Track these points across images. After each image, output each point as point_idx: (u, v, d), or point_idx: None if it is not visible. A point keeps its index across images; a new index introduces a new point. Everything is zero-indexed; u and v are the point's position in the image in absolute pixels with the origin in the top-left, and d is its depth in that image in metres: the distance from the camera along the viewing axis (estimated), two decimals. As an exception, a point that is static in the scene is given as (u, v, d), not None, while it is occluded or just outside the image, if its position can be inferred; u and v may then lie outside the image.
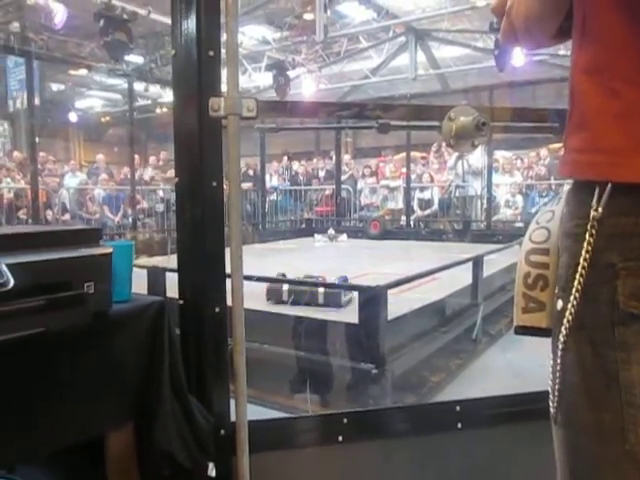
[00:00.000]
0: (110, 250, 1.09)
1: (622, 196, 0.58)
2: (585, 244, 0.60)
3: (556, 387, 0.65)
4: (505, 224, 8.99)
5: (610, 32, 0.59)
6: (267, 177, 10.96)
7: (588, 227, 0.60)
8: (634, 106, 0.57)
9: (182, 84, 1.35)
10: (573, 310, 0.62)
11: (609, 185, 0.59)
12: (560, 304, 0.64)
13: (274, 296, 3.39)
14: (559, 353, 0.64)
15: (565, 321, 0.62)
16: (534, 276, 0.72)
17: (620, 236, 0.58)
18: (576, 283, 0.61)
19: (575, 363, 0.62)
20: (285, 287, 3.38)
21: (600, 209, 0.59)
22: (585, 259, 0.60)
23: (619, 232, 0.58)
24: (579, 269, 0.61)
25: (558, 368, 0.64)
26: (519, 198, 9.24)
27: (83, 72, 11.25)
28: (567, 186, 0.68)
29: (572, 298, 0.62)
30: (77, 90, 13.69)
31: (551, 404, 0.68)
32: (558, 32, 0.71)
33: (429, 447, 1.51)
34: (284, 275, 3.78)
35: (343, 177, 10.68)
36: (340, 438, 1.44)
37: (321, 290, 3.30)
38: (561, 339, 0.63)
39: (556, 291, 0.67)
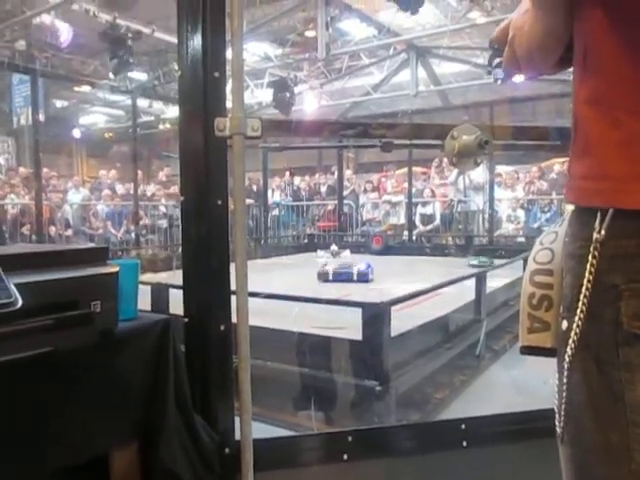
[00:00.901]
0: (116, 269, 1.10)
1: (624, 219, 0.59)
2: (588, 265, 0.61)
3: (562, 406, 0.65)
4: (507, 239, 8.99)
5: (610, 64, 0.60)
6: (269, 192, 10.99)
7: (591, 249, 0.61)
8: (636, 135, 0.58)
9: (188, 104, 1.37)
10: (578, 330, 0.62)
11: (611, 209, 0.60)
12: (565, 324, 0.65)
13: (322, 277, 5.26)
14: (565, 372, 0.64)
15: (570, 341, 0.63)
16: (539, 296, 0.73)
17: (623, 258, 0.59)
18: (580, 304, 0.62)
19: (581, 383, 0.62)
20: (330, 269, 5.40)
21: (603, 232, 0.60)
22: (589, 280, 0.61)
23: (622, 254, 0.59)
24: (583, 290, 0.62)
25: (564, 387, 0.65)
26: (520, 213, 9.25)
27: (87, 89, 11.36)
28: (569, 206, 0.70)
29: (577, 318, 0.62)
30: (81, 106, 13.81)
31: (557, 423, 0.68)
32: (559, 61, 0.73)
33: (434, 465, 1.50)
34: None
35: (345, 192, 10.72)
36: (345, 456, 1.43)
37: (355, 270, 5.34)
38: (567, 359, 0.64)
39: (561, 311, 0.68)
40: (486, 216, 9.09)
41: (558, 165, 9.19)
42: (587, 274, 0.61)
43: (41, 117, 7.56)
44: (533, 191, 9.40)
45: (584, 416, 0.62)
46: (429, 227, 9.75)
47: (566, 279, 0.67)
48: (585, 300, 0.62)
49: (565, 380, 0.64)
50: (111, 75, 7.53)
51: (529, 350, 0.74)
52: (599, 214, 0.61)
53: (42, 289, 0.97)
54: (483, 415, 1.62)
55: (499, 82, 0.85)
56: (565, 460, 0.67)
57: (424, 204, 9.91)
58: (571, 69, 0.72)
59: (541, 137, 1.63)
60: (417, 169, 10.73)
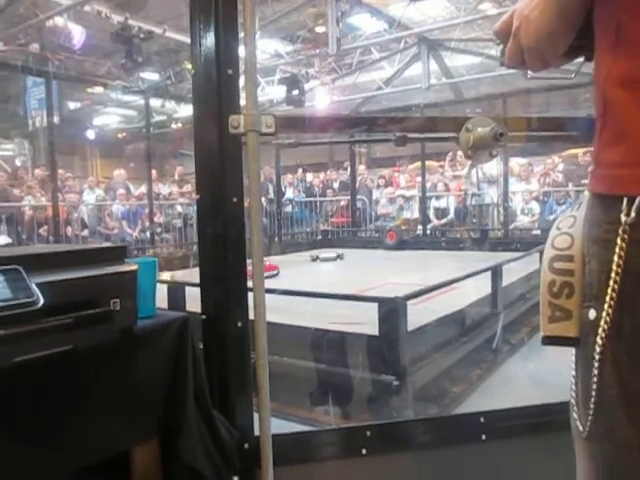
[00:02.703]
0: (135, 267, 1.11)
1: None
2: (617, 250, 0.58)
3: (592, 400, 0.62)
4: (522, 232, 8.92)
5: None
6: (282, 189, 11.00)
7: (620, 232, 0.58)
8: None
9: (202, 102, 1.37)
10: (608, 319, 0.60)
11: None
12: (593, 313, 0.62)
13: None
14: (595, 364, 0.61)
15: (600, 331, 0.61)
16: (559, 284, 0.69)
17: None
18: (610, 291, 0.59)
19: (612, 375, 0.60)
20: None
21: (633, 214, 0.57)
22: (618, 265, 0.58)
23: None
24: (612, 276, 0.59)
25: (594, 380, 0.62)
26: (535, 205, 9.16)
27: (100, 90, 11.44)
28: (587, 193, 0.66)
29: (606, 306, 0.60)
30: (94, 107, 13.91)
31: (577, 417, 0.66)
32: (567, 51, 0.70)
33: (453, 459, 1.50)
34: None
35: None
36: (364, 451, 1.43)
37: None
38: (597, 349, 0.61)
39: (585, 299, 0.65)
40: (500, 209, 9.02)
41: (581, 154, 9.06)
42: (616, 258, 0.58)
43: (55, 119, 7.63)
44: (548, 183, 9.30)
45: (616, 410, 0.60)
46: (443, 221, 9.71)
47: (590, 265, 0.64)
48: (615, 287, 0.59)
49: (595, 372, 0.61)
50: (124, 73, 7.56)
51: (551, 340, 0.69)
52: (626, 197, 0.58)
53: (62, 288, 0.98)
54: (502, 408, 1.61)
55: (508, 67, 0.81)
56: (590, 456, 0.64)
57: (438, 198, 9.86)
58: (577, 60, 0.69)
59: (557, 128, 1.61)
60: (433, 163, 10.68)
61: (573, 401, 0.67)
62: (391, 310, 2.56)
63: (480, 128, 1.35)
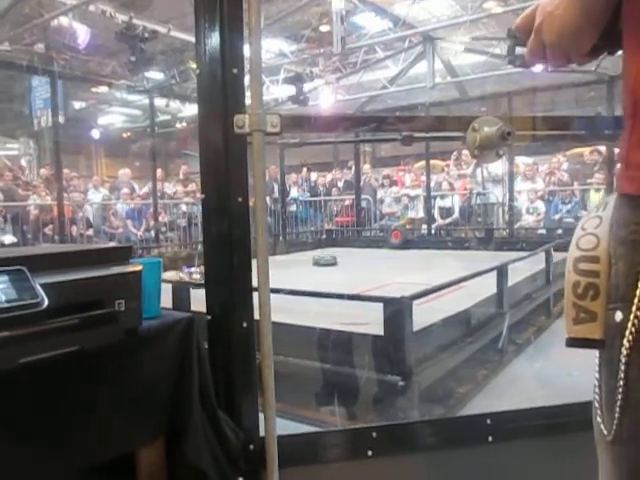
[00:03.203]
0: (140, 268, 1.11)
1: None
2: None
3: (618, 403, 0.61)
4: (528, 231, 8.89)
5: None
6: (286, 188, 11.01)
7: None
8: None
9: (207, 102, 1.37)
10: (636, 322, 0.59)
11: None
12: (620, 315, 0.61)
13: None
14: (622, 367, 0.61)
15: (627, 333, 0.60)
16: (584, 285, 0.67)
17: None
18: (638, 292, 0.59)
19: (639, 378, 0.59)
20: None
21: None
22: None
23: None
24: None
25: (621, 383, 0.61)
26: (540, 204, 9.13)
27: (104, 89, 11.46)
28: (593, 192, 0.65)
29: (634, 308, 0.59)
30: (99, 107, 13.94)
31: (600, 420, 0.65)
32: (591, 49, 0.69)
33: (460, 461, 1.49)
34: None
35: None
36: (370, 452, 1.43)
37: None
38: (624, 352, 0.60)
39: (612, 301, 0.64)
40: (506, 208, 8.99)
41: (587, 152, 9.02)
42: None
43: (61, 118, 7.66)
44: (554, 182, 9.27)
45: None
46: (448, 220, 9.69)
47: (617, 267, 0.63)
48: None
49: (622, 375, 0.60)
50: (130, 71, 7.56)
51: (575, 342, 0.68)
52: None
53: (67, 289, 0.98)
54: (509, 410, 1.60)
55: (517, 65, 0.80)
56: (615, 459, 0.63)
57: (443, 197, 9.84)
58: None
59: (563, 127, 1.60)
60: (438, 162, 10.65)
61: (597, 404, 0.66)
62: (397, 310, 2.55)
63: (487, 127, 1.34)
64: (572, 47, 0.69)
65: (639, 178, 0.61)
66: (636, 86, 0.61)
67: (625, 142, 0.63)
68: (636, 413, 0.60)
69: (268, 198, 10.01)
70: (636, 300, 0.59)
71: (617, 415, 0.62)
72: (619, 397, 0.61)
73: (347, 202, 11.05)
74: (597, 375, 0.66)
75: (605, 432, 0.64)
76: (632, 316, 0.59)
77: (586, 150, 8.79)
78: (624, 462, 0.62)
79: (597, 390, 0.66)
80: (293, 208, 11.07)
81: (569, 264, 0.70)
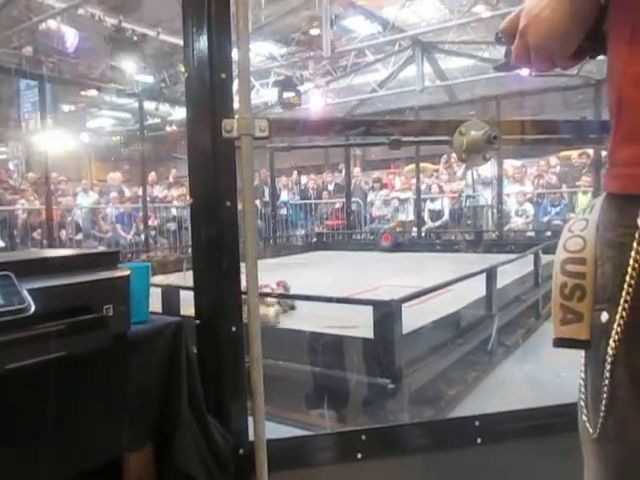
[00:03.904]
0: (128, 272, 1.10)
1: None
2: (633, 253, 0.59)
3: (603, 402, 0.62)
4: (517, 233, 8.95)
5: None
6: (277, 192, 11.01)
7: (636, 236, 0.58)
8: None
9: (195, 106, 1.37)
10: (622, 322, 0.60)
11: None
12: (606, 316, 0.62)
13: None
14: (607, 367, 0.62)
15: (613, 333, 0.61)
16: (571, 286, 0.68)
17: None
18: (624, 294, 0.59)
19: (626, 377, 0.60)
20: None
21: None
22: (634, 269, 0.59)
23: None
24: (627, 279, 0.59)
25: (606, 382, 0.62)
26: (529, 206, 9.20)
27: (93, 93, 11.41)
28: (581, 194, 0.66)
29: (620, 309, 0.60)
30: (88, 110, 13.88)
31: (586, 419, 0.66)
32: (576, 52, 0.69)
33: (449, 463, 1.50)
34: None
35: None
36: (359, 455, 1.43)
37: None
38: (609, 352, 0.61)
39: (598, 302, 0.65)
40: (495, 211, 9.05)
41: (554, 159, 9.14)
42: (632, 262, 0.58)
43: (49, 122, 7.61)
44: (542, 184, 9.34)
45: (628, 412, 0.60)
46: (438, 223, 9.73)
47: (604, 268, 0.64)
48: (630, 291, 0.59)
49: (608, 374, 0.62)
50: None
51: (562, 342, 0.69)
52: None
53: (54, 294, 0.98)
54: (497, 412, 1.61)
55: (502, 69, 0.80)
56: (600, 458, 0.64)
57: (432, 200, 9.88)
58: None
59: (550, 131, 1.61)
60: (429, 165, 10.70)
61: (582, 403, 0.67)
62: (386, 313, 2.56)
63: (473, 131, 1.35)
64: (558, 49, 0.69)
65: (624, 175, 0.62)
66: (622, 85, 0.62)
67: (610, 141, 0.64)
68: (621, 412, 0.61)
69: (258, 201, 10.01)
70: (622, 301, 0.60)
71: (602, 414, 0.63)
72: (604, 396, 0.62)
73: (337, 205, 11.07)
74: (583, 375, 0.67)
75: (591, 431, 0.65)
76: (618, 316, 0.60)
77: (574, 153, 8.87)
78: (609, 460, 0.63)
79: (583, 390, 0.67)
80: (284, 211, 11.07)
81: (556, 266, 0.71)
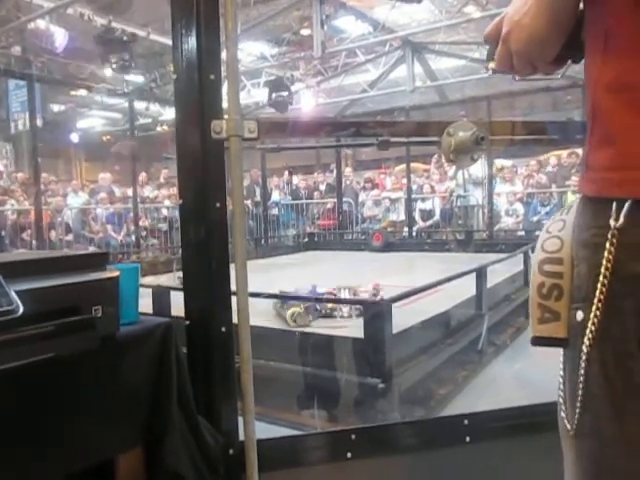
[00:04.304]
0: (117, 274, 1.10)
1: None
2: (606, 254, 0.60)
3: (578, 398, 0.64)
4: (507, 233, 9.00)
5: (636, 46, 0.58)
6: (268, 192, 11.00)
7: (608, 236, 0.59)
8: None
9: (184, 107, 1.37)
10: (596, 321, 0.61)
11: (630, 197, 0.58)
12: (581, 315, 0.64)
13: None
14: (582, 364, 0.63)
15: (587, 331, 0.62)
16: (548, 286, 0.70)
17: None
18: (598, 293, 0.61)
19: (599, 375, 0.62)
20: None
21: (622, 219, 0.58)
22: (607, 269, 0.60)
23: None
24: (601, 279, 0.60)
25: (581, 380, 0.63)
26: (519, 206, 9.26)
27: (83, 93, 11.35)
28: (571, 194, 0.68)
29: (594, 308, 0.61)
30: (78, 110, 13.79)
31: (564, 415, 0.67)
32: (556, 58, 0.71)
33: (438, 462, 1.51)
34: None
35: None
36: (349, 454, 1.44)
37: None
38: (584, 350, 0.63)
39: (574, 301, 0.66)
40: (485, 210, 9.09)
41: (554, 158, 9.20)
42: (604, 262, 0.60)
43: (39, 122, 7.56)
44: (532, 184, 9.40)
45: (602, 408, 0.61)
46: (429, 223, 9.77)
47: (579, 268, 0.65)
48: (603, 289, 0.60)
49: (582, 372, 0.63)
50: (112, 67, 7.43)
51: (540, 340, 0.71)
52: (615, 201, 0.59)
53: (43, 295, 0.98)
54: (486, 410, 1.62)
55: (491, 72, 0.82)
56: (577, 453, 0.66)
57: (423, 200, 9.92)
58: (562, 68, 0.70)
59: (538, 132, 1.63)
60: (419, 165, 10.73)
61: (561, 400, 0.69)
62: (376, 313, 2.57)
63: (461, 132, 1.36)
64: (539, 55, 0.71)
65: (599, 179, 0.63)
66: (595, 91, 0.63)
67: (586, 145, 0.65)
68: (595, 408, 0.62)
69: (249, 201, 10.00)
70: (596, 300, 0.61)
71: (578, 410, 0.64)
72: (580, 393, 0.64)
73: (329, 205, 11.08)
74: (562, 372, 0.69)
75: (568, 427, 0.66)
76: (592, 315, 0.62)
77: (564, 153, 8.94)
78: (585, 456, 0.65)
79: (562, 387, 0.68)
80: (275, 211, 11.07)
81: (534, 266, 0.72)
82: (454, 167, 9.48)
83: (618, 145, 0.60)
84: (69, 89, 10.96)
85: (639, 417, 0.58)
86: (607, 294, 0.60)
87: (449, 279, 3.69)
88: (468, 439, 1.50)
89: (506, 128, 1.60)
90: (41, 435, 1.02)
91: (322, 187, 11.69)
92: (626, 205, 0.58)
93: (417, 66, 9.49)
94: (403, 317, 2.95)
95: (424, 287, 3.36)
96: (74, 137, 13.18)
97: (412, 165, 10.12)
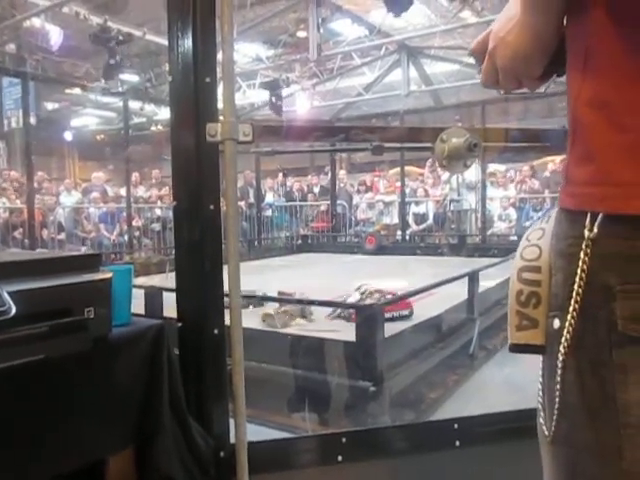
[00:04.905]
0: (110, 275, 1.10)
1: (617, 219, 0.58)
2: (580, 263, 0.60)
3: (555, 406, 0.64)
4: (500, 237, 9.04)
5: (615, 65, 0.58)
6: (262, 194, 11.00)
7: (583, 247, 0.60)
8: None
9: (179, 110, 1.37)
10: (571, 329, 0.62)
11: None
12: (557, 323, 0.64)
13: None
14: (558, 372, 0.64)
15: (563, 340, 0.63)
16: (527, 293, 0.71)
17: (616, 258, 0.58)
18: (573, 302, 0.61)
19: (574, 383, 0.62)
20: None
21: (595, 229, 0.59)
22: (581, 278, 0.60)
23: (615, 253, 0.58)
24: (575, 288, 0.61)
25: (558, 387, 0.64)
26: (512, 211, 9.30)
27: (78, 91, 11.31)
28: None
29: (569, 317, 0.62)
30: (72, 109, 13.74)
31: (542, 421, 0.68)
32: (542, 73, 0.71)
33: (428, 466, 1.51)
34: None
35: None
36: (339, 458, 1.44)
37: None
38: (560, 358, 0.63)
39: (551, 309, 0.67)
40: (479, 215, 9.13)
41: (552, 164, 9.24)
42: (579, 272, 0.60)
43: (32, 120, 7.53)
44: (525, 190, 9.45)
45: (577, 416, 0.62)
46: (422, 226, 9.79)
47: (556, 277, 0.66)
48: (578, 298, 0.61)
49: (559, 379, 0.64)
50: (102, 80, 7.47)
51: (518, 348, 0.71)
52: (589, 212, 0.60)
53: (35, 296, 0.97)
54: (476, 414, 1.63)
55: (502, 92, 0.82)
56: (553, 460, 0.66)
57: (417, 203, 9.95)
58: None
59: (532, 139, 1.64)
60: (414, 169, 10.76)
61: (540, 406, 0.69)
62: (368, 317, 2.58)
63: (455, 139, 1.37)
64: (524, 71, 0.71)
65: (578, 194, 0.64)
66: (575, 107, 0.64)
67: (567, 158, 0.66)
68: (571, 416, 0.63)
69: (243, 203, 9.99)
70: (571, 309, 0.62)
71: (555, 417, 0.65)
72: (556, 400, 0.64)
73: (323, 208, 11.09)
74: (541, 379, 0.69)
75: (546, 433, 0.67)
76: (567, 324, 0.62)
77: (557, 158, 8.99)
78: (561, 462, 0.65)
79: (540, 393, 0.69)
80: (269, 213, 11.06)
81: (513, 273, 0.73)
82: (447, 172, 9.52)
83: (598, 162, 0.61)
84: (63, 87, 10.93)
85: (613, 426, 0.58)
86: (581, 303, 0.61)
87: (441, 283, 3.71)
88: (458, 443, 1.51)
89: (499, 135, 1.61)
90: (32, 436, 1.02)
91: (316, 189, 11.70)
92: (599, 217, 0.59)
93: (412, 70, 9.53)
94: (395, 321, 2.96)
95: (416, 291, 3.38)
96: (68, 135, 13.13)
97: (406, 169, 10.15)
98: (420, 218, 9.83)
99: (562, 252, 0.65)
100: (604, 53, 0.60)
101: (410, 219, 9.83)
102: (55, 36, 7.47)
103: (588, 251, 0.60)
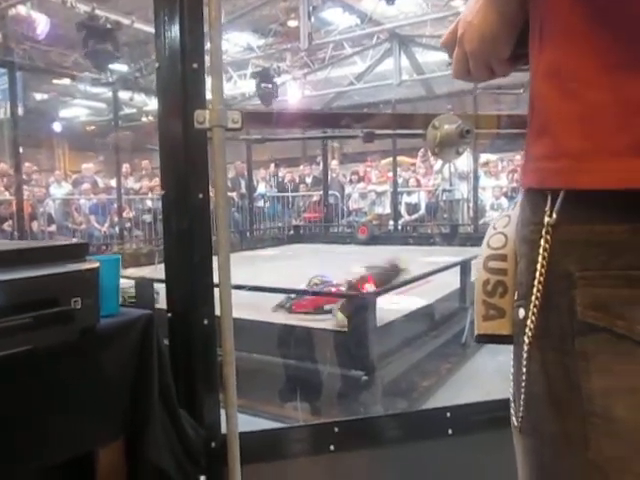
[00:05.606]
0: (97, 265, 1.08)
1: (577, 203, 0.56)
2: (541, 250, 0.59)
3: (522, 396, 0.63)
4: (492, 227, 9.06)
5: (567, 33, 0.57)
6: (254, 184, 10.97)
7: (543, 233, 0.59)
8: (591, 108, 0.55)
9: (167, 97, 1.35)
10: (534, 318, 0.61)
11: (562, 192, 0.57)
12: (522, 312, 0.63)
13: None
14: (524, 362, 0.63)
15: (527, 329, 0.61)
16: (493, 283, 0.69)
17: (575, 243, 0.57)
18: (535, 290, 0.60)
19: (539, 372, 0.61)
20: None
21: (554, 215, 0.58)
22: (542, 266, 0.59)
23: (574, 239, 0.57)
24: (537, 276, 0.60)
25: (523, 377, 0.63)
26: (504, 200, 9.33)
27: (67, 81, 11.19)
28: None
29: (532, 306, 0.61)
30: (61, 99, 13.60)
31: (513, 412, 0.67)
32: (511, 57, 0.70)
33: (420, 454, 1.51)
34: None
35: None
36: (332, 447, 1.44)
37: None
38: (525, 348, 0.62)
39: (516, 298, 0.66)
40: (471, 204, 9.14)
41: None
42: (540, 259, 0.59)
43: (20, 111, 7.44)
44: (517, 179, 9.47)
45: (542, 406, 0.61)
46: (414, 216, 9.80)
47: (520, 265, 0.65)
48: (540, 287, 0.59)
49: (524, 370, 0.62)
50: (91, 67, 7.39)
51: (485, 338, 0.71)
52: (550, 197, 0.58)
53: (20, 287, 0.96)
54: (468, 403, 1.63)
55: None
56: (523, 450, 0.65)
57: (409, 193, 9.95)
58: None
59: (523, 125, 1.62)
60: (405, 159, 10.75)
61: (511, 396, 0.69)
62: (360, 306, 2.57)
63: (447, 125, 1.36)
64: (492, 53, 0.70)
65: (535, 170, 0.62)
66: (534, 80, 0.63)
67: (527, 136, 0.64)
68: (537, 406, 0.62)
69: (235, 194, 9.95)
70: (533, 298, 0.60)
71: (522, 407, 0.64)
72: (522, 391, 0.63)
73: (315, 198, 11.07)
74: (512, 369, 0.69)
75: (515, 423, 0.66)
76: (530, 313, 0.61)
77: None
78: (529, 452, 0.65)
79: (511, 383, 0.68)
80: (261, 204, 11.04)
81: (480, 263, 0.71)
82: (440, 161, 9.52)
83: (552, 133, 0.59)
84: (51, 77, 10.80)
85: (578, 416, 0.57)
86: (544, 292, 0.60)
87: (433, 272, 3.71)
88: (451, 431, 1.51)
89: (491, 121, 1.60)
90: (20, 428, 1.01)
91: (308, 180, 11.67)
92: (558, 201, 0.57)
93: (404, 59, 9.49)
94: (388, 310, 2.96)
95: (408, 280, 3.38)
96: (57, 126, 12.99)
97: (398, 159, 10.13)
98: (412, 208, 9.84)
99: (525, 238, 0.63)
100: (555, 22, 0.58)
101: (402, 209, 9.83)
102: (42, 24, 7.36)
103: (548, 237, 0.58)
